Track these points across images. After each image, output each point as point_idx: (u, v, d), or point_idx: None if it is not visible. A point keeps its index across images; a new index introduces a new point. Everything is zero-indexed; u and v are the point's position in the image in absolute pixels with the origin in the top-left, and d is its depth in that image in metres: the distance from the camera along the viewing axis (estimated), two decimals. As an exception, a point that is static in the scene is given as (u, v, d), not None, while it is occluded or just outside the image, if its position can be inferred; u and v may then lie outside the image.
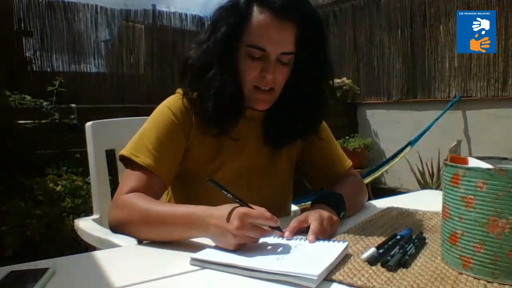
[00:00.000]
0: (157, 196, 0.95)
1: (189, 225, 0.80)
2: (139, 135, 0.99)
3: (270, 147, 1.09)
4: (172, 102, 1.02)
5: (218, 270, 0.70)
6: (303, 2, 0.95)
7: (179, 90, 1.04)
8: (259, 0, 0.93)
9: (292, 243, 0.78)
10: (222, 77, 0.94)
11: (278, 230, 0.78)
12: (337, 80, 4.81)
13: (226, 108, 0.96)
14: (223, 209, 0.77)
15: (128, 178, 0.94)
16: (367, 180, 3.73)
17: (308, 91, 1.03)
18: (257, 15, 0.92)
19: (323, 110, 1.09)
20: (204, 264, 0.71)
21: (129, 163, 0.96)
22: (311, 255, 0.73)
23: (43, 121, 3.20)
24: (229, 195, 0.80)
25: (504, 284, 0.61)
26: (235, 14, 0.93)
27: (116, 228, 0.90)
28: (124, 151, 0.97)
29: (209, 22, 1.00)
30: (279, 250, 0.75)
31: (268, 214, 0.76)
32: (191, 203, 0.88)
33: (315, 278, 0.62)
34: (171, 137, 0.98)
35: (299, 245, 0.78)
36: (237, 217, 0.73)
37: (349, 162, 1.20)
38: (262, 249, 0.75)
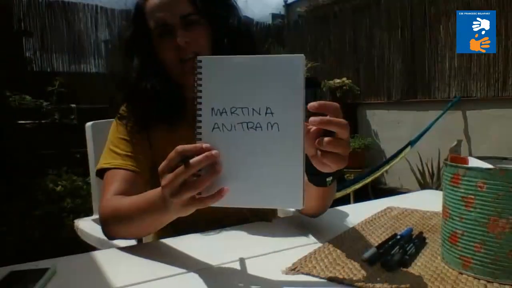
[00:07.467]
0: (143, 189, 0.84)
1: (153, 206, 0.70)
2: (104, 150, 1.01)
3: None
4: (118, 118, 1.03)
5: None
6: None
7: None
8: None
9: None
10: (149, 70, 0.98)
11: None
12: (337, 80, 4.82)
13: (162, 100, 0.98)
14: None
15: (105, 185, 0.93)
16: (367, 180, 3.72)
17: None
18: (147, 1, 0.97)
19: None
20: None
21: (104, 172, 0.95)
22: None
23: (43, 121, 3.21)
24: None
25: (504, 284, 0.61)
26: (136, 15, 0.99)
27: (113, 238, 0.88)
28: (97, 167, 0.97)
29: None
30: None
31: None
32: None
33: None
34: (133, 135, 0.99)
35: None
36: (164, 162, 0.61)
37: None
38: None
